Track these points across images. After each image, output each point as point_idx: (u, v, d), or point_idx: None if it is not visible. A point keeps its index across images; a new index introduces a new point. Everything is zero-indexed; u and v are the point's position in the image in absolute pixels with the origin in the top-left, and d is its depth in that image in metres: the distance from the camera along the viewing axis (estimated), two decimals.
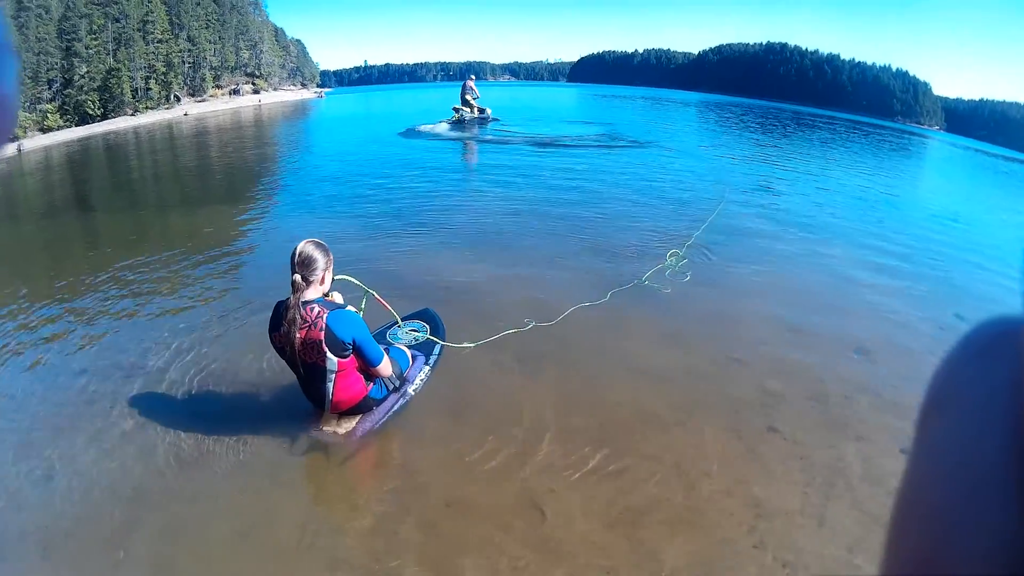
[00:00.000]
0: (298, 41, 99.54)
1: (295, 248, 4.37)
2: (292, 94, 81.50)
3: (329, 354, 4.35)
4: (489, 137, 24.90)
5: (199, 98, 64.19)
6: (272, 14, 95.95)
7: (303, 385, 4.65)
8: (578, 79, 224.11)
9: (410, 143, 23.39)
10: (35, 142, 41.21)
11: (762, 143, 30.44)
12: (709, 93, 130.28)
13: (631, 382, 5.69)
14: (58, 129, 47.66)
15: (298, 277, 4.32)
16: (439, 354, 5.79)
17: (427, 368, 5.48)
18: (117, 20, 55.41)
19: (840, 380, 5.89)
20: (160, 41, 59.34)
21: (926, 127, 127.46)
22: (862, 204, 15.40)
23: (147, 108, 55.97)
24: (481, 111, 29.57)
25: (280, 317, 4.44)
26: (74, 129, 47.62)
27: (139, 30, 57.15)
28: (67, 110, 51.17)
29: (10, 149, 38.07)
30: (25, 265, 10.38)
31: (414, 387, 5.24)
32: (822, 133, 42.59)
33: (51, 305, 7.75)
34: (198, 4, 65.81)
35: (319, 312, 4.32)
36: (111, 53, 54.47)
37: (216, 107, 61.83)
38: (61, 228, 13.48)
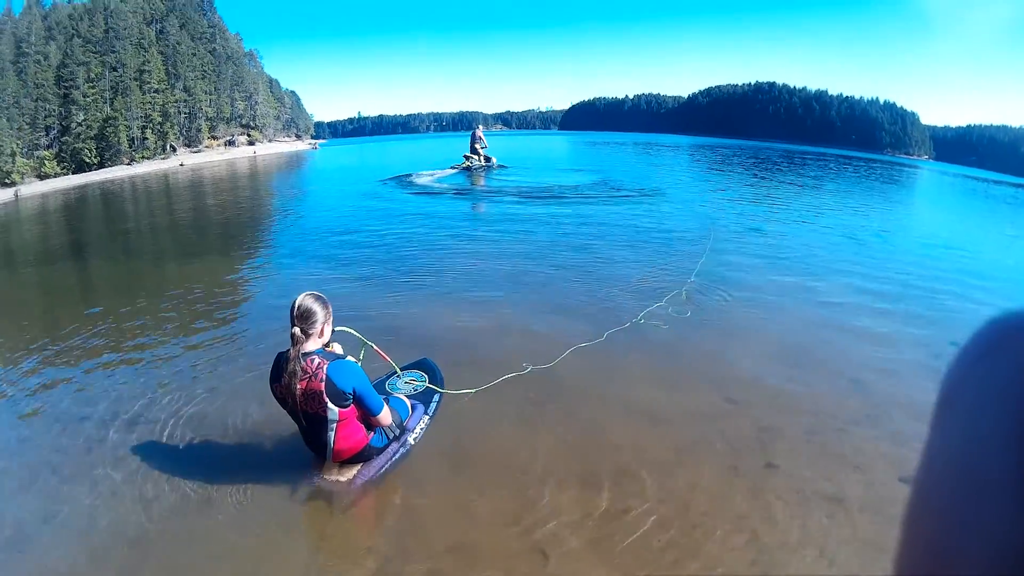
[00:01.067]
0: (293, 92, 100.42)
1: (294, 301, 4.42)
2: (287, 145, 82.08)
3: (330, 404, 4.37)
4: (482, 186, 25.61)
5: (195, 148, 64.47)
6: (267, 65, 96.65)
7: (304, 435, 4.68)
8: (570, 127, 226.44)
9: (404, 193, 23.67)
10: (32, 188, 41.31)
11: (753, 184, 30.84)
12: (700, 136, 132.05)
13: (629, 424, 5.73)
14: (55, 176, 47.76)
15: (297, 330, 4.35)
16: (438, 402, 5.80)
17: (426, 417, 5.50)
18: (114, 69, 55.84)
19: (836, 413, 5.95)
20: (157, 91, 59.86)
21: (916, 157, 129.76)
22: (854, 239, 15.49)
23: (143, 158, 56.17)
24: (487, 159, 30.68)
25: (281, 369, 4.47)
26: (71, 177, 47.71)
27: (136, 79, 57.64)
28: (64, 157, 51.34)
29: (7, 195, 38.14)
30: (22, 312, 10.48)
31: (414, 436, 5.24)
32: (813, 170, 43.11)
33: (48, 353, 7.79)
34: (194, 55, 66.26)
35: (319, 363, 4.35)
36: (108, 102, 54.85)
37: (212, 158, 62.26)
38: (58, 275, 13.63)
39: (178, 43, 64.12)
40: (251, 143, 74.14)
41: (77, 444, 5.44)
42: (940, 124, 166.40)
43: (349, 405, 4.46)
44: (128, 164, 53.52)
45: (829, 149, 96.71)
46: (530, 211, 18.12)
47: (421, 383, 5.95)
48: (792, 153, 67.48)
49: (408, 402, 5.46)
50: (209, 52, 70.02)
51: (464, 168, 29.87)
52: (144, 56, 58.99)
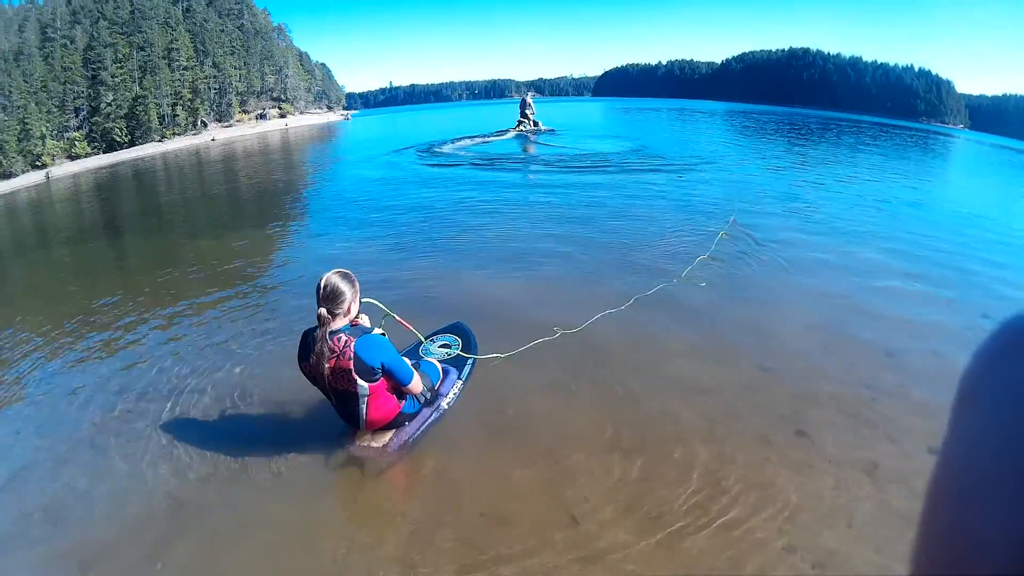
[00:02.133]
0: (323, 65, 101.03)
1: (319, 281, 4.34)
2: (318, 117, 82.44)
3: (360, 380, 4.35)
4: (531, 153, 25.78)
5: (226, 123, 65.05)
6: (296, 39, 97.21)
7: (337, 409, 4.67)
8: (603, 93, 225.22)
9: (435, 161, 23.63)
10: (63, 169, 41.56)
11: (790, 151, 30.22)
12: (734, 102, 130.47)
13: (661, 390, 5.70)
14: (86, 156, 48.12)
15: (324, 311, 4.30)
16: (472, 367, 5.74)
17: (460, 382, 5.46)
18: (142, 48, 56.56)
19: (868, 384, 5.86)
20: (185, 68, 60.34)
21: (951, 126, 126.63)
22: (890, 208, 15.21)
23: (174, 134, 56.77)
24: (535, 124, 33.43)
25: (308, 348, 4.44)
26: (102, 156, 48.17)
27: (164, 58, 58.31)
28: (95, 137, 51.95)
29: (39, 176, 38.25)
30: (57, 290, 10.60)
31: (447, 400, 5.21)
32: (849, 137, 42.47)
33: (83, 329, 7.89)
34: (222, 31, 66.90)
35: (347, 341, 4.31)
36: (137, 81, 55.47)
37: (243, 132, 62.81)
38: (91, 253, 13.77)
39: (205, 20, 64.46)
40: (282, 116, 74.54)
41: (114, 417, 5.53)
42: (976, 93, 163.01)
43: (379, 379, 4.43)
44: (159, 141, 54.17)
45: (864, 116, 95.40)
46: (572, 179, 17.89)
47: (454, 348, 5.96)
48: (828, 120, 66.65)
49: (439, 366, 5.41)
50: (237, 28, 70.39)
51: (517, 132, 32.17)
52: (172, 35, 59.30)
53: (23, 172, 42.64)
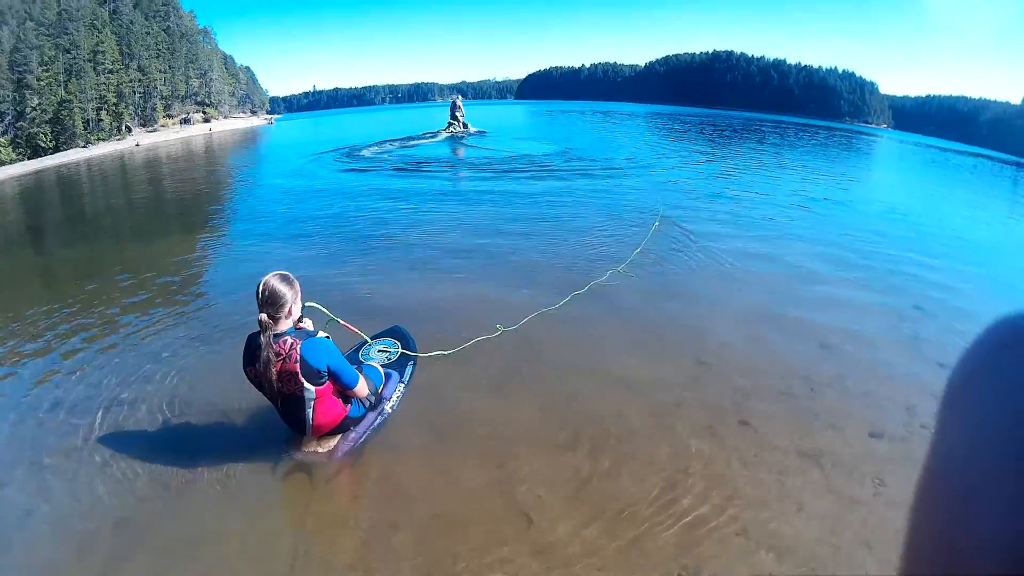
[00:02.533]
0: (247, 68, 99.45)
1: (259, 285, 4.32)
2: (242, 121, 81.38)
3: (306, 384, 4.38)
4: (459, 157, 26.29)
5: (150, 128, 63.26)
6: (221, 42, 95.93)
7: (282, 414, 4.69)
8: (526, 96, 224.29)
9: (358, 165, 23.80)
10: None
11: (712, 152, 30.93)
12: (658, 104, 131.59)
13: (601, 386, 5.82)
14: (11, 163, 47.11)
15: (264, 316, 4.29)
16: (413, 368, 5.92)
17: (402, 385, 5.59)
18: (68, 51, 54.73)
19: (805, 374, 6.07)
20: (111, 72, 58.88)
21: (874, 126, 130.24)
22: (813, 207, 15.60)
23: (99, 140, 54.87)
24: (465, 125, 35.02)
25: (253, 353, 4.46)
26: (27, 162, 46.89)
27: (90, 60, 56.58)
28: (19, 143, 50.33)
29: None
30: None
31: (391, 404, 5.32)
32: (771, 138, 43.36)
33: (10, 341, 7.67)
34: (148, 33, 64.73)
35: (292, 343, 4.34)
36: (62, 85, 53.94)
37: (167, 137, 61.38)
38: (16, 262, 13.48)
39: (131, 22, 63.27)
40: (206, 120, 73.60)
41: (51, 433, 5.36)
42: (899, 94, 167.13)
43: (325, 382, 4.48)
44: (84, 147, 52.52)
45: (787, 117, 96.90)
46: (500, 186, 17.94)
47: (395, 351, 6.08)
48: (750, 121, 67.88)
49: (382, 371, 5.56)
50: (163, 30, 69.12)
51: (449, 134, 33.74)
52: (98, 37, 58.09)
53: None
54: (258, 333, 4.40)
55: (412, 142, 31.85)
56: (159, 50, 68.13)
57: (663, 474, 4.46)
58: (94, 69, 57.88)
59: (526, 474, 4.49)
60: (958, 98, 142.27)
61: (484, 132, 35.05)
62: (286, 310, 4.39)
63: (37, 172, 39.95)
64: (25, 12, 54.98)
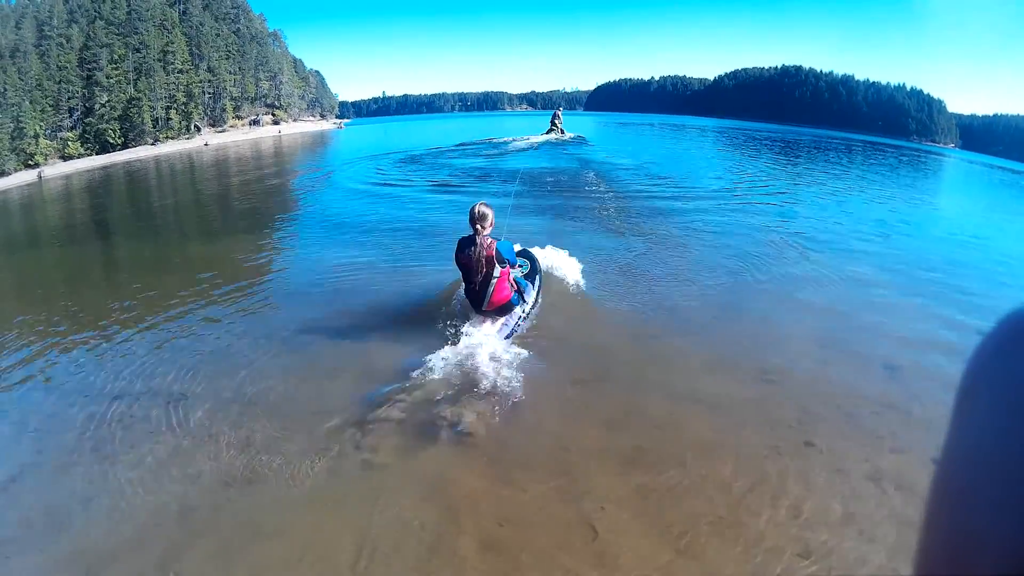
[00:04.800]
0: (317, 72, 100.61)
1: (473, 208, 6.80)
2: (312, 124, 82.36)
3: (497, 265, 6.79)
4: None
5: (219, 128, 64.91)
6: (291, 45, 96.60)
7: (472, 290, 6.96)
8: (595, 107, 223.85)
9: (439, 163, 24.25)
10: (56, 169, 41.50)
11: (787, 168, 30.59)
12: (726, 119, 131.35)
13: (667, 400, 5.78)
14: (79, 157, 47.91)
15: (478, 226, 6.72)
16: (541, 278, 8.13)
17: (535, 291, 7.76)
18: (138, 50, 56.35)
19: (870, 397, 5.95)
20: (181, 71, 60.17)
21: (941, 145, 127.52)
22: (886, 228, 15.27)
23: (168, 138, 56.57)
24: (562, 132, 39.39)
25: (465, 248, 6.82)
26: (95, 157, 48.05)
27: (160, 60, 58.11)
28: (88, 138, 51.76)
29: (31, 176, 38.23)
30: (49, 293, 10.55)
31: (530, 306, 7.46)
32: (840, 156, 43.14)
33: (78, 332, 7.87)
34: (218, 35, 66.85)
35: (491, 242, 6.77)
36: (132, 83, 55.24)
37: (236, 137, 62.75)
38: (83, 255, 13.79)
39: (201, 24, 64.37)
40: (276, 122, 74.58)
41: (114, 423, 5.49)
42: (967, 112, 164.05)
43: (505, 267, 6.91)
44: (152, 144, 53.95)
45: (855, 135, 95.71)
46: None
47: (526, 267, 8.27)
48: (819, 138, 67.36)
49: (524, 279, 7.81)
50: (233, 32, 70.40)
51: (546, 139, 37.57)
52: (167, 37, 59.20)
53: (15, 171, 42.68)
54: (470, 236, 6.83)
55: (514, 143, 35.13)
56: (229, 52, 69.47)
57: (726, 493, 4.40)
58: (164, 68, 59.14)
59: (591, 485, 4.48)
60: None
61: (584, 139, 38.76)
62: (488, 222, 6.81)
63: (105, 167, 40.99)
64: (95, 11, 56.06)
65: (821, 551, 3.83)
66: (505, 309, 6.97)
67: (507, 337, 6.76)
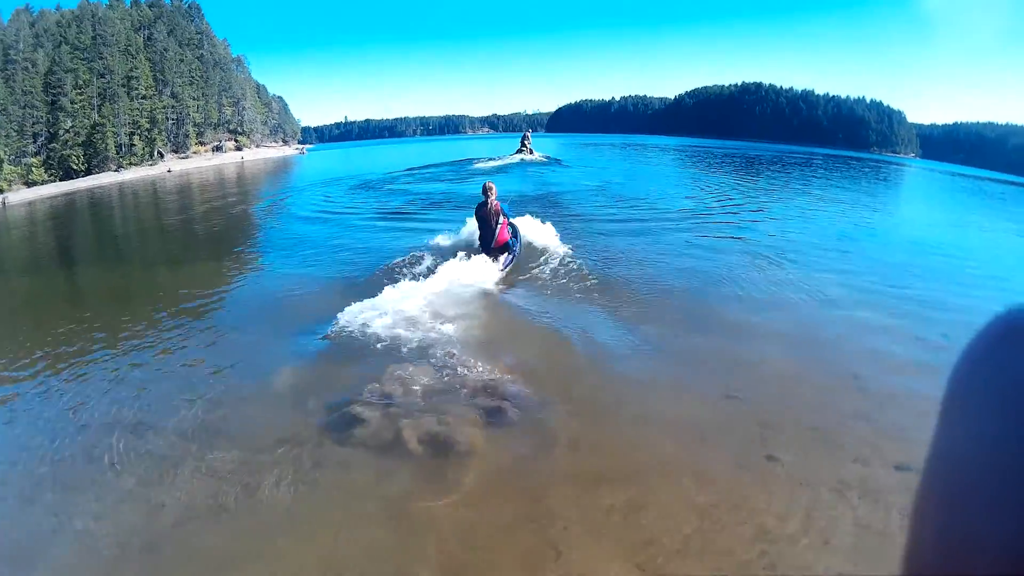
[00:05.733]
0: (280, 98, 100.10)
1: (484, 184, 11.11)
2: (274, 150, 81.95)
3: (501, 217, 10.92)
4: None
5: (182, 155, 64.10)
6: (254, 71, 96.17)
7: (485, 236, 11.04)
8: (556, 129, 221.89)
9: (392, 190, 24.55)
10: (20, 196, 41.25)
11: (749, 185, 31.12)
12: (687, 136, 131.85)
13: (629, 420, 5.88)
14: (43, 183, 47.56)
15: (488, 194, 10.87)
16: (521, 241, 11.77)
17: (519, 244, 11.56)
18: (102, 75, 55.46)
19: (833, 409, 6.06)
20: (144, 97, 59.64)
21: (902, 155, 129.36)
22: (850, 238, 15.67)
23: (131, 164, 55.75)
24: (531, 152, 42.14)
25: (480, 207, 10.99)
26: (59, 184, 47.54)
27: (124, 85, 57.26)
28: (52, 164, 51.00)
29: None
30: (12, 320, 10.60)
31: (518, 249, 11.41)
32: (800, 169, 43.78)
33: (42, 362, 7.82)
34: (182, 60, 65.87)
35: (497, 203, 10.94)
36: (96, 108, 54.55)
37: (199, 164, 61.98)
38: (47, 283, 13.75)
39: (165, 49, 64.18)
40: (238, 148, 74.30)
41: (77, 453, 5.47)
42: (927, 122, 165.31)
43: (503, 220, 11.06)
44: (116, 171, 53.31)
45: (817, 148, 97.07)
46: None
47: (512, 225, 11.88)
48: (782, 153, 68.18)
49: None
50: (197, 58, 70.21)
51: (519, 158, 40.28)
52: (132, 62, 58.91)
53: None
54: (483, 201, 10.93)
55: (489, 163, 38.27)
56: (192, 77, 69.13)
57: (691, 509, 4.47)
58: (128, 94, 58.62)
59: (555, 506, 4.51)
60: (985, 124, 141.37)
61: (560, 161, 41.27)
62: (494, 191, 10.96)
63: (69, 193, 40.68)
64: (61, 35, 55.79)
65: (787, 564, 3.92)
66: (504, 249, 11.17)
67: (503, 268, 10.74)
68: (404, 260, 11.53)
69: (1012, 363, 0.42)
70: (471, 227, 11.70)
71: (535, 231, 12.76)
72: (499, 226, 10.74)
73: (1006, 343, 0.43)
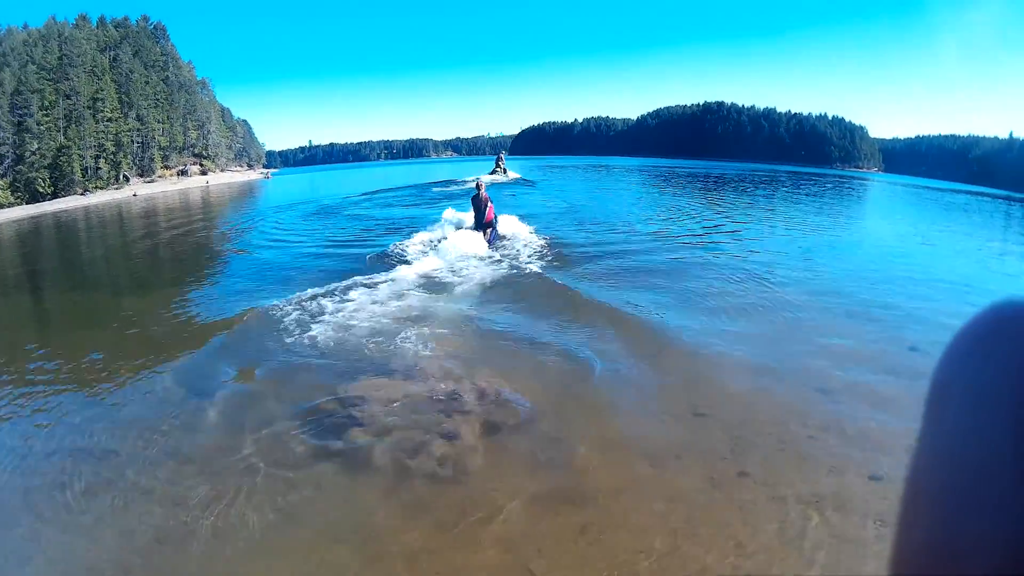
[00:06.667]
0: (244, 121, 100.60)
1: (476, 179, 20.19)
2: (239, 175, 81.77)
3: (489, 203, 16.15)
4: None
5: (148, 178, 63.49)
6: (219, 94, 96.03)
7: (477, 217, 16.29)
8: (520, 151, 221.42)
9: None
10: None
11: (712, 204, 31.89)
12: (651, 157, 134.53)
13: (599, 438, 5.90)
14: (9, 206, 47.20)
15: (480, 187, 16.52)
16: (497, 232, 16.20)
17: (497, 226, 16.50)
18: (68, 97, 55.08)
19: (803, 421, 6.08)
20: (110, 120, 59.23)
21: (865, 170, 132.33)
22: (813, 253, 15.89)
23: (97, 188, 55.12)
24: (505, 171, 44.35)
25: (475, 196, 16.37)
26: (25, 207, 47.08)
27: (90, 107, 56.86)
28: (18, 187, 50.52)
29: None
30: None
31: (496, 232, 16.12)
32: (765, 188, 44.49)
33: (8, 387, 7.76)
34: (147, 83, 65.32)
35: (486, 194, 16.31)
36: (62, 131, 54.17)
37: (165, 188, 61.63)
38: (9, 308, 13.63)
39: (131, 71, 64.09)
40: (203, 172, 73.89)
41: (45, 481, 5.44)
42: (889, 136, 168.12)
43: (491, 206, 16.23)
44: (82, 194, 52.83)
45: (780, 166, 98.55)
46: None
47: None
48: (745, 172, 69.42)
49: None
50: (162, 80, 69.97)
51: (494, 179, 41.09)
52: (98, 84, 58.72)
53: None
54: (476, 193, 16.36)
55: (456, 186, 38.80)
56: (158, 100, 68.82)
57: (663, 527, 4.47)
58: (93, 116, 58.28)
59: (527, 529, 4.49)
60: (947, 137, 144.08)
61: (528, 181, 43.17)
62: (484, 185, 16.81)
63: (35, 217, 40.18)
64: (27, 55, 55.39)
65: None
66: (489, 225, 15.92)
67: (489, 241, 15.40)
68: (376, 260, 14.36)
69: (999, 359, 0.42)
70: (470, 212, 17.04)
71: (514, 227, 17.64)
72: (487, 209, 16.04)
73: (993, 338, 0.43)
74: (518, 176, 45.77)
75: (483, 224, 16.07)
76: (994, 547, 0.37)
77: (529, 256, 14.42)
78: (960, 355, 0.45)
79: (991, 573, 0.37)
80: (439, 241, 15.80)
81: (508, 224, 17.56)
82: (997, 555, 0.37)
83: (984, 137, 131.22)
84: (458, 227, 17.47)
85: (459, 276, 12.43)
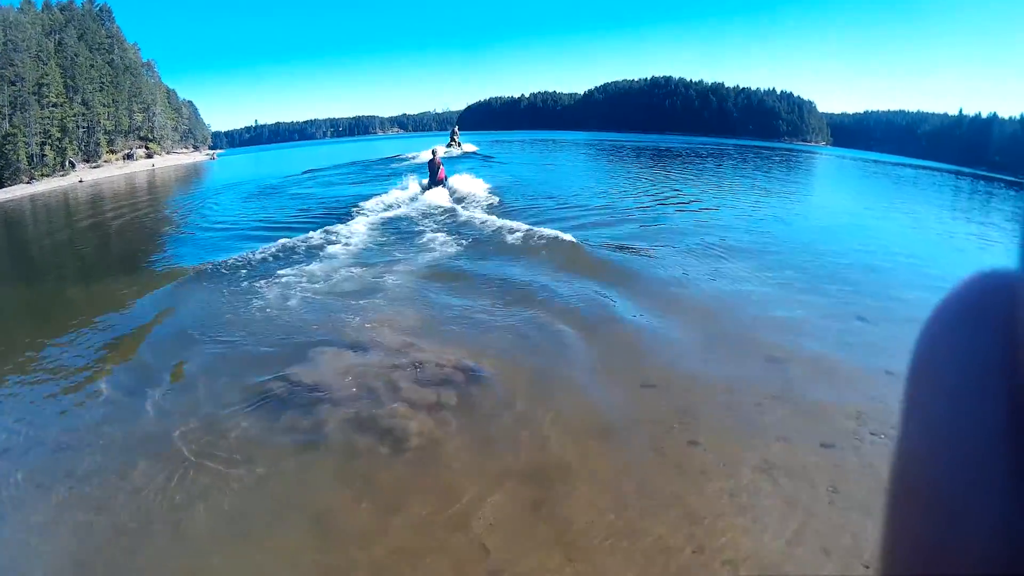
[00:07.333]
0: (190, 102, 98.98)
1: (432, 148, 22.84)
2: (185, 157, 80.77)
3: (442, 167, 20.66)
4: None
5: (94, 164, 62.15)
6: (164, 76, 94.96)
7: (432, 177, 20.50)
8: (467, 127, 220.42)
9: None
10: None
11: (657, 175, 31.64)
12: (598, 132, 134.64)
13: (548, 412, 5.87)
14: None
15: (436, 154, 21.09)
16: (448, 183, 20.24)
17: (448, 183, 20.93)
18: (12, 83, 53.74)
19: (752, 389, 6.14)
20: (55, 105, 57.98)
21: (813, 144, 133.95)
22: (757, 222, 16.07)
23: (42, 175, 53.85)
24: (460, 145, 46.34)
25: (431, 161, 20.88)
26: None
27: (35, 93, 55.58)
28: None
29: None
30: None
31: (448, 184, 20.50)
32: (711, 160, 44.94)
33: None
34: (92, 66, 63.93)
35: (440, 161, 20.84)
36: (7, 118, 53.08)
37: (111, 173, 60.56)
38: None
39: (76, 54, 62.72)
40: (149, 156, 72.97)
41: (0, 478, 5.30)
42: (837, 111, 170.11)
43: (442, 168, 20.75)
44: (28, 182, 52.01)
45: (728, 140, 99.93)
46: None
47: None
48: (692, 145, 69.62)
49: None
50: (107, 63, 68.78)
51: (449, 152, 42.15)
52: (43, 69, 57.39)
53: None
54: (432, 159, 20.97)
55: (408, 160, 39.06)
56: (103, 83, 67.52)
57: (614, 498, 4.57)
58: (39, 102, 56.87)
59: (478, 506, 4.52)
60: (896, 112, 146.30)
61: (490, 157, 42.79)
62: (440, 152, 21.75)
63: None
64: None
65: (715, 545, 4.01)
66: (442, 183, 19.89)
67: (449, 194, 19.25)
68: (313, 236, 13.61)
69: (980, 332, 0.40)
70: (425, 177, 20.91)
71: (469, 186, 21.44)
72: (439, 171, 20.28)
73: (973, 311, 0.41)
74: (474, 149, 47.89)
75: (435, 182, 20.20)
76: (993, 545, 0.34)
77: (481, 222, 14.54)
78: (939, 332, 0.43)
79: (994, 572, 0.34)
80: (411, 199, 19.35)
81: (463, 182, 21.77)
82: (991, 546, 0.34)
83: (933, 113, 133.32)
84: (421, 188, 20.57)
85: (419, 242, 13.11)
